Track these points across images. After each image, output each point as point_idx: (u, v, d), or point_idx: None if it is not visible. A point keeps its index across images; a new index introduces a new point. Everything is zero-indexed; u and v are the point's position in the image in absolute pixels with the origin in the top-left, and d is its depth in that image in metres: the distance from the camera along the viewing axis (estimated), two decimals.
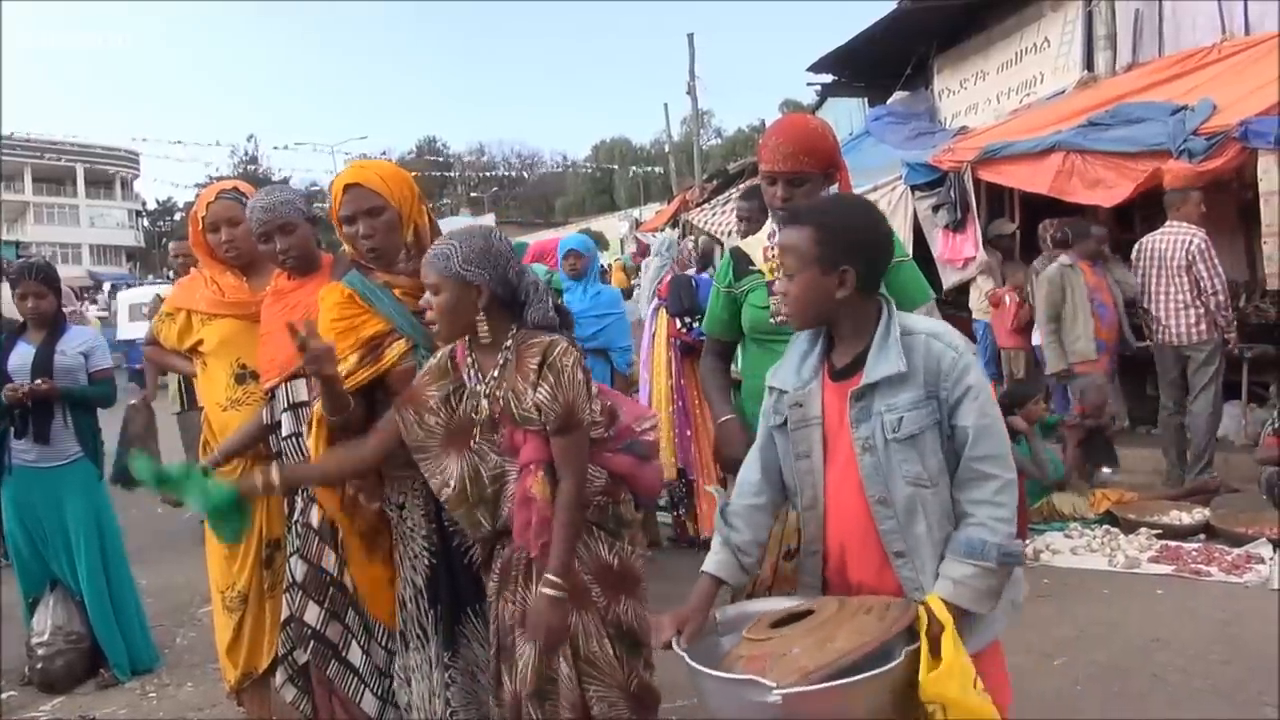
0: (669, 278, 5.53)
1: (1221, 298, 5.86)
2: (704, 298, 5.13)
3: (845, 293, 1.87)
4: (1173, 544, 4.99)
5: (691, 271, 5.69)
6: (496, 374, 2.35)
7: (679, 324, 5.29)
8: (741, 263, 2.74)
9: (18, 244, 34.06)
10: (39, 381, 3.97)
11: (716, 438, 2.80)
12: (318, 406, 2.57)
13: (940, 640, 1.70)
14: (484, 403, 2.35)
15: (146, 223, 64.07)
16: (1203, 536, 5.13)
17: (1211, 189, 6.39)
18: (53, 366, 4.03)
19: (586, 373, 2.38)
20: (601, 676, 2.40)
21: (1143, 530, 5.17)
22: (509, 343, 2.35)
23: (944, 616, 1.73)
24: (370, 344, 2.54)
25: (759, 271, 2.68)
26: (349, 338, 2.54)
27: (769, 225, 2.73)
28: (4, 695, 4.02)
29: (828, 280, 1.86)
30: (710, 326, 2.88)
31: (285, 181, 39.06)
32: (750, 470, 2.08)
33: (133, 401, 4.49)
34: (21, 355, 4.06)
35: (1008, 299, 7.48)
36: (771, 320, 2.61)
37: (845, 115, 13.26)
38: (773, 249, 2.66)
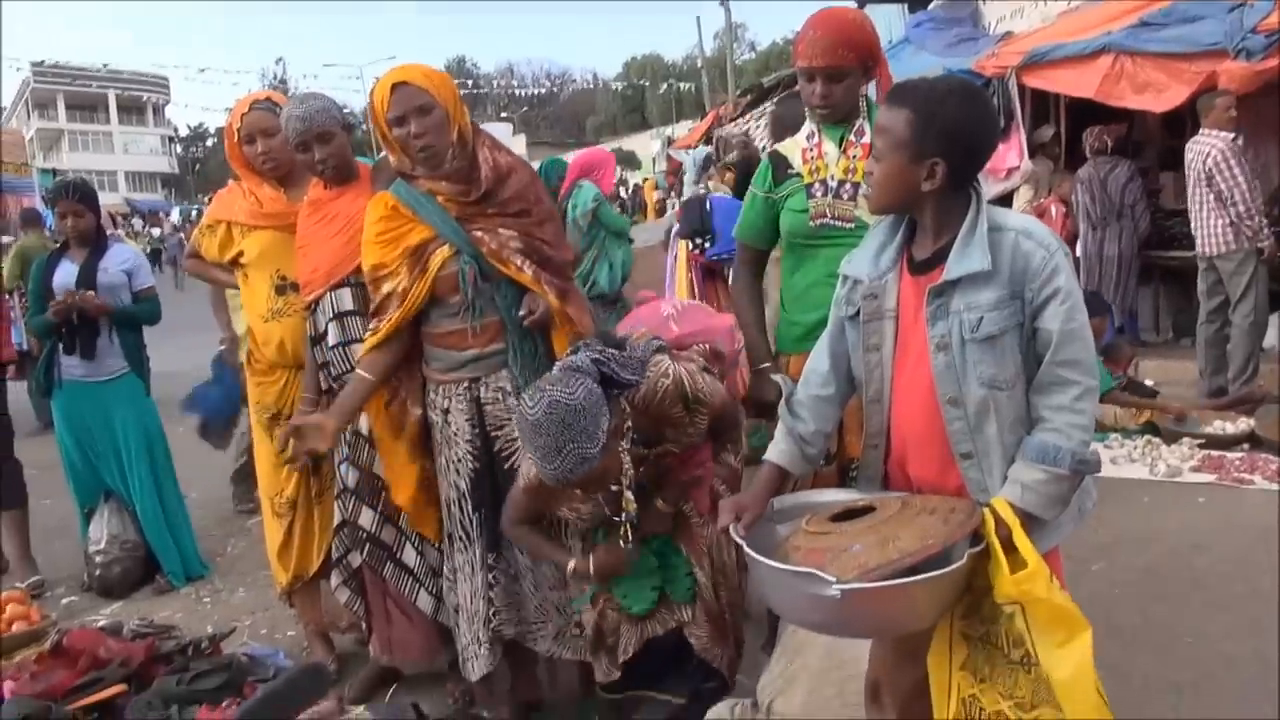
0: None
1: (1242, 207, 5.68)
2: (719, 220, 4.99)
3: (933, 185, 1.76)
4: (1215, 454, 4.93)
5: (702, 189, 5.51)
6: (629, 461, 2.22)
7: (692, 245, 5.18)
8: (780, 167, 2.68)
9: (54, 171, 34.33)
10: (88, 293, 3.99)
11: (750, 384, 2.77)
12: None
13: (1009, 543, 1.67)
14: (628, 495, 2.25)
15: (179, 149, 64.28)
16: (1246, 446, 5.07)
17: (1270, 90, 6.15)
18: (96, 285, 4.07)
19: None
20: (729, 582, 2.52)
21: (1185, 440, 5.12)
22: (628, 424, 2.21)
23: (1010, 519, 1.69)
24: (416, 253, 2.54)
25: (798, 174, 2.62)
26: (396, 247, 2.54)
27: (807, 126, 2.67)
28: (65, 600, 4.18)
29: (915, 170, 1.76)
30: (745, 233, 2.82)
31: None
32: (818, 360, 2.04)
33: (222, 349, 4.65)
34: (65, 274, 4.11)
35: (1054, 209, 7.30)
36: (811, 224, 2.57)
37: (884, 22, 12.80)
38: (811, 151, 2.61)
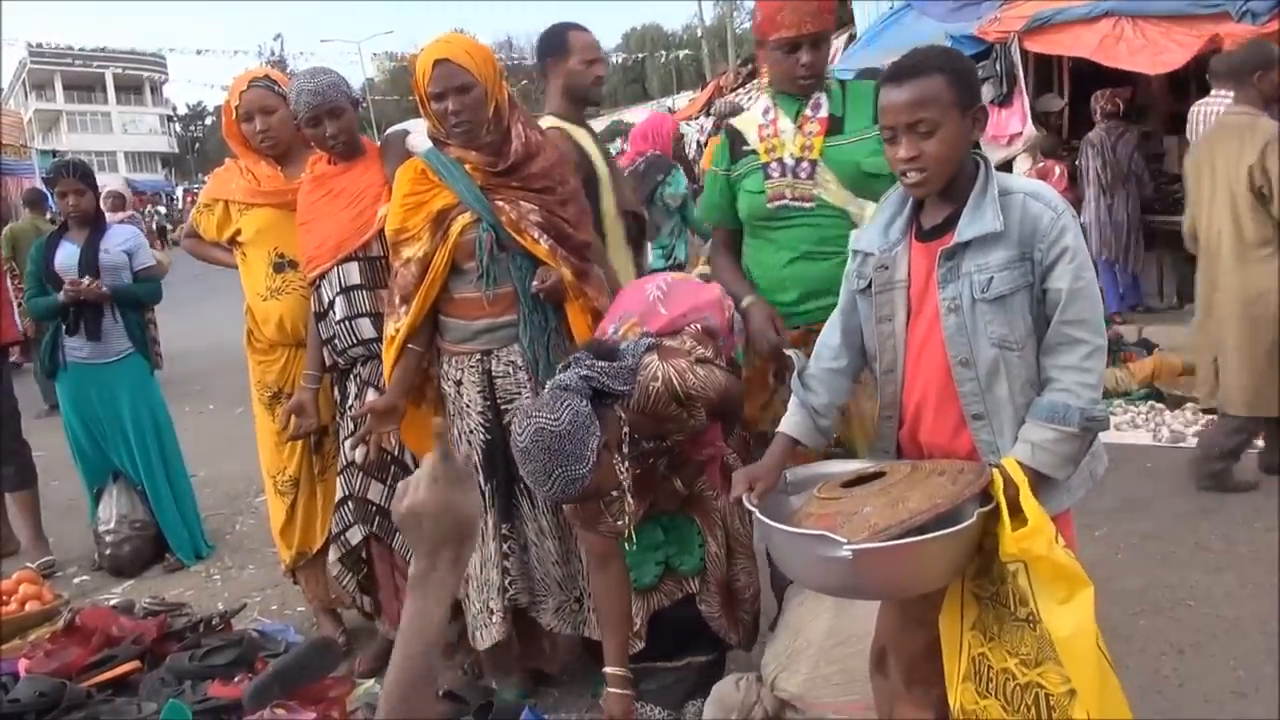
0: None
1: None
2: None
3: (979, 132, 1.80)
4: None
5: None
6: (627, 466, 2.22)
7: None
8: (736, 143, 2.59)
9: (54, 153, 34.26)
10: (92, 281, 3.99)
11: (748, 326, 2.61)
12: (391, 329, 2.63)
13: (1016, 502, 1.69)
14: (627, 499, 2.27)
15: (179, 128, 63.97)
16: None
17: None
18: (98, 265, 4.08)
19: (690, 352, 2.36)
20: (743, 550, 2.55)
21: (1188, 405, 5.11)
22: (625, 429, 2.20)
23: (1019, 478, 1.71)
24: (438, 218, 2.56)
25: (754, 152, 2.53)
26: (419, 213, 2.58)
27: (764, 101, 2.59)
28: (76, 579, 4.22)
29: (966, 123, 1.78)
30: (710, 214, 2.74)
31: None
32: (830, 334, 2.06)
33: None
34: (67, 254, 4.11)
35: (1058, 169, 7.26)
36: (768, 205, 2.49)
37: None
38: (767, 128, 2.51)
